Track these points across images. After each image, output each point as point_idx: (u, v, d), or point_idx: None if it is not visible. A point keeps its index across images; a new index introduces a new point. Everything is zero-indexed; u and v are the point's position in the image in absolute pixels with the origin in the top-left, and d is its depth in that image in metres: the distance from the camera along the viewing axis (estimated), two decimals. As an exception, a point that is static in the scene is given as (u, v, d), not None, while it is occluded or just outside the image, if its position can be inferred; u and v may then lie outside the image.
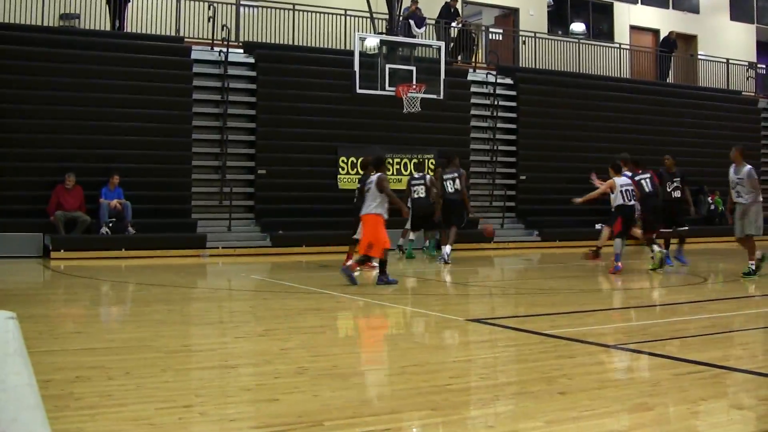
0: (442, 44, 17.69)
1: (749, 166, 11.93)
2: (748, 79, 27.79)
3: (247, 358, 5.94)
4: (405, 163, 19.75)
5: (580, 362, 5.63)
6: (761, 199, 11.95)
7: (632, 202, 13.15)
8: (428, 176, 16.18)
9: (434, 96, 16.71)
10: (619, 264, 12.72)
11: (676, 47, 27.31)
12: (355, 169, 19.06)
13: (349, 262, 11.07)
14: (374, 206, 10.46)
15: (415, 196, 15.63)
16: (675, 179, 13.88)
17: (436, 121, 19.79)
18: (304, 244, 17.38)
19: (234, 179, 18.48)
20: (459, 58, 22.96)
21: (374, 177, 10.62)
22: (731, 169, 12.03)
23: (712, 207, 23.83)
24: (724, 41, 29.48)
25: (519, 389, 4.87)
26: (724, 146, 24.41)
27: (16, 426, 2.11)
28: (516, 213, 21.48)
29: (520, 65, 23.84)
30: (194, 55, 18.56)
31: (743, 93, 27.17)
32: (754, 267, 11.74)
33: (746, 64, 28.15)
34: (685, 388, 4.87)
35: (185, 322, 7.93)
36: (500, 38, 25.34)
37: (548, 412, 4.28)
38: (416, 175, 16.10)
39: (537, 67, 23.75)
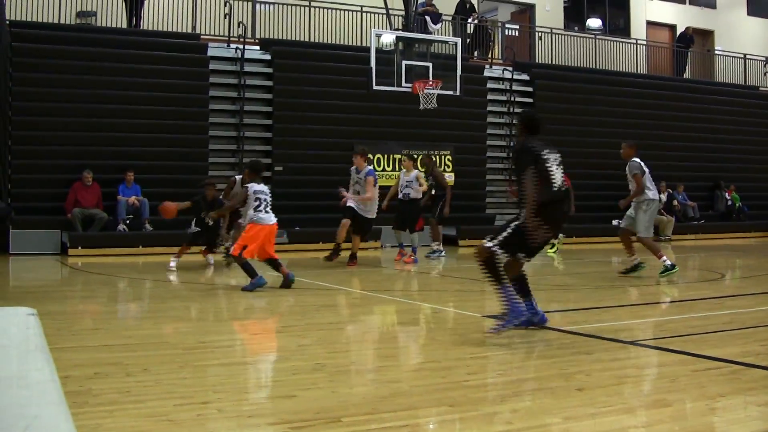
0: (458, 40, 17.63)
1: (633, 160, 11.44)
2: (765, 74, 27.58)
3: (264, 354, 5.96)
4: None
5: (598, 358, 5.61)
6: None
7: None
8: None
9: (450, 92, 16.66)
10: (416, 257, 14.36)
11: (693, 42, 27.15)
12: (372, 165, 19.11)
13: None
14: None
15: None
16: None
17: (453, 117, 19.77)
18: (321, 240, 17.35)
19: (250, 176, 18.48)
20: (475, 54, 22.93)
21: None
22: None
23: (729, 202, 23.69)
24: (741, 36, 29.30)
25: (536, 385, 4.86)
26: (741, 142, 24.49)
27: (39, 422, 2.12)
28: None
29: (537, 61, 23.80)
30: (210, 52, 18.61)
31: (761, 88, 26.98)
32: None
33: (763, 59, 27.94)
34: (703, 384, 4.86)
35: (202, 319, 7.96)
36: (516, 34, 25.31)
37: (566, 408, 4.28)
38: None
39: (553, 62, 23.70)
